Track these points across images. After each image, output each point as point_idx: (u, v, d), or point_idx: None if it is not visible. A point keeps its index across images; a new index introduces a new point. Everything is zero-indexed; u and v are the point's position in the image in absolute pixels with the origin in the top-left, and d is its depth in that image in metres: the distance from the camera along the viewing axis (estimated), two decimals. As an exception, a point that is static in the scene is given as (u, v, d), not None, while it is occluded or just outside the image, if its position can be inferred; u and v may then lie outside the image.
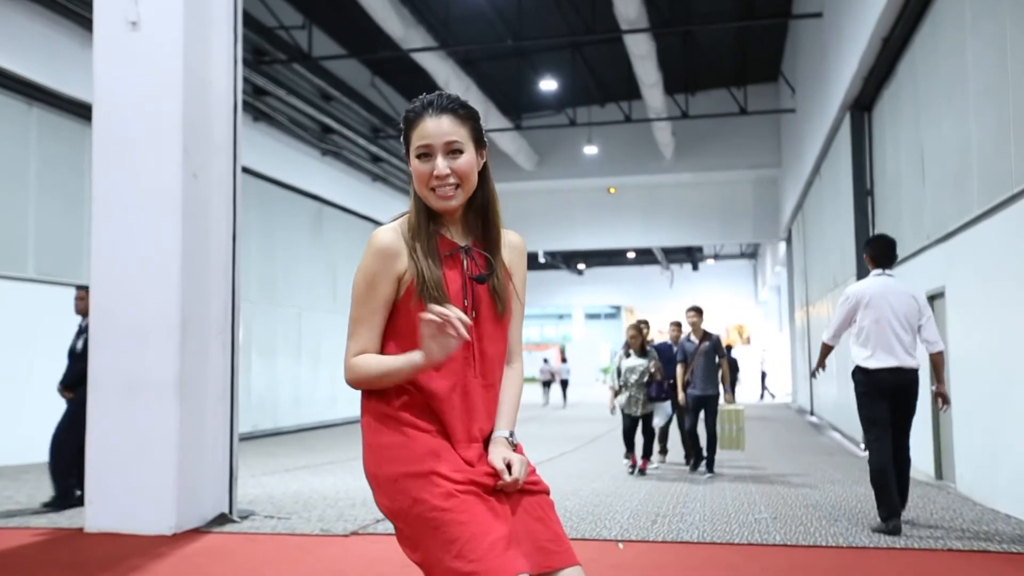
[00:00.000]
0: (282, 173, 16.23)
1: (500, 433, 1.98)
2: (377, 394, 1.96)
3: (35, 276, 10.76)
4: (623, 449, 9.26)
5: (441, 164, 1.90)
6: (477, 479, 1.86)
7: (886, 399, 5.51)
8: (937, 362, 5.56)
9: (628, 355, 8.93)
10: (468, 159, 1.93)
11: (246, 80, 13.42)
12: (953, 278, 7.57)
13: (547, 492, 1.99)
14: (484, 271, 1.98)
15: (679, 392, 8.83)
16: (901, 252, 9.12)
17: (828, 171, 14.01)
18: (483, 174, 2.00)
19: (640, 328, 9.02)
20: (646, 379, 8.74)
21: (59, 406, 7.00)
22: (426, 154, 1.92)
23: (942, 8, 7.87)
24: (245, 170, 11.66)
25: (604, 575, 4.52)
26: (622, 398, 8.87)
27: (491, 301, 1.98)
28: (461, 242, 1.99)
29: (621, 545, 5.25)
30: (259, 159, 14.94)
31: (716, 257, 38.65)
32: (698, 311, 9.04)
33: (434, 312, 1.79)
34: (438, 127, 1.91)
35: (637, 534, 5.53)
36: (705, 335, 8.92)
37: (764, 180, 23.91)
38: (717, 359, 8.80)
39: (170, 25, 5.93)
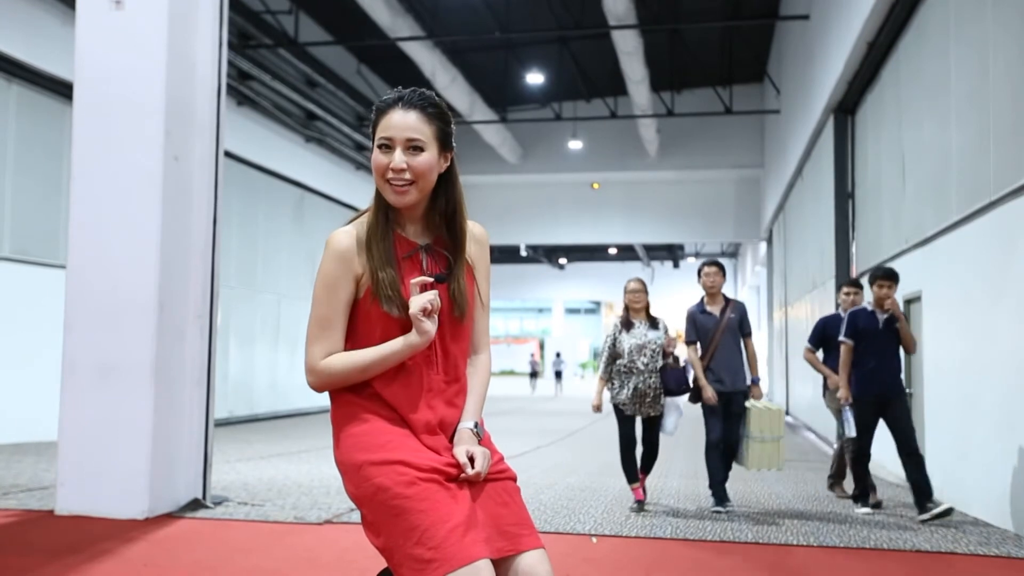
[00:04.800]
0: (265, 158, 16.12)
1: (465, 424, 2.01)
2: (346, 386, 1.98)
3: (10, 255, 10.63)
4: (618, 473, 6.65)
5: (398, 158, 1.90)
6: (440, 467, 1.88)
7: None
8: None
9: (630, 327, 6.30)
10: (427, 159, 1.92)
11: (231, 64, 13.30)
12: (930, 282, 7.64)
13: (513, 479, 2.01)
14: (444, 270, 1.99)
15: (843, 388, 6.19)
16: (881, 255, 9.53)
17: (810, 173, 14.09)
18: (451, 177, 2.00)
19: (646, 286, 6.46)
20: (660, 362, 6.17)
21: (30, 384, 6.92)
22: (387, 146, 1.92)
23: (927, 14, 7.93)
24: (227, 154, 11.59)
25: (577, 569, 4.53)
26: (624, 391, 6.11)
27: (451, 303, 1.99)
28: (421, 241, 2.00)
29: (594, 539, 5.27)
30: (242, 144, 14.83)
31: (697, 255, 38.77)
32: (719, 267, 6.44)
33: (417, 306, 1.88)
34: (403, 121, 1.91)
35: (611, 529, 5.55)
36: (727, 302, 6.42)
37: (747, 180, 24.02)
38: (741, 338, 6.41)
39: (155, 5, 5.86)
